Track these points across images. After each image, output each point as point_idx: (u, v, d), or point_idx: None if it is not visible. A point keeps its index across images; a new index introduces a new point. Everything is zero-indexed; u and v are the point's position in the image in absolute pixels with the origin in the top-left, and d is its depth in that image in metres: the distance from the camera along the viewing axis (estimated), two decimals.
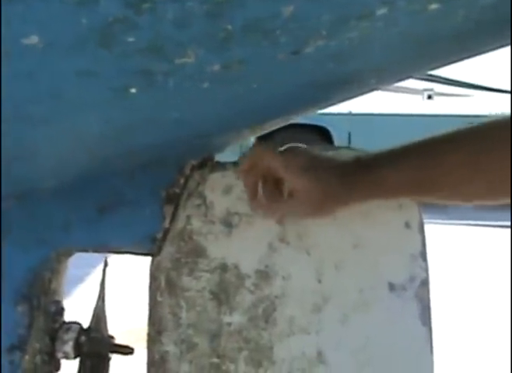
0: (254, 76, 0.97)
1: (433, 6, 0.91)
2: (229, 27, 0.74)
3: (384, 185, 1.39)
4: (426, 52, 1.21)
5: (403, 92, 9.49)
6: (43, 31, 0.66)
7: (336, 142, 9.60)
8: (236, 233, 1.53)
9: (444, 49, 1.24)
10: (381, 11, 0.85)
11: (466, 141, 1.35)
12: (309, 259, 1.51)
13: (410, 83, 9.23)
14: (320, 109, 1.60)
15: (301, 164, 1.38)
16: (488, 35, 1.24)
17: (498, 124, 1.36)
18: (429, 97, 9.82)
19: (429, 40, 1.10)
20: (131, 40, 0.72)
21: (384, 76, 1.38)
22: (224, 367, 1.52)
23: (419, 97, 9.80)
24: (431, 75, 9.20)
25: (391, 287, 1.51)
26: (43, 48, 0.69)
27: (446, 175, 1.35)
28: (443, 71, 9.16)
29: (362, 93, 1.51)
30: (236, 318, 1.52)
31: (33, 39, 0.67)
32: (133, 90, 0.86)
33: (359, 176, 1.38)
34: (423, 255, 1.52)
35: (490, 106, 9.58)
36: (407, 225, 1.52)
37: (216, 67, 0.86)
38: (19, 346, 1.53)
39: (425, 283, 1.52)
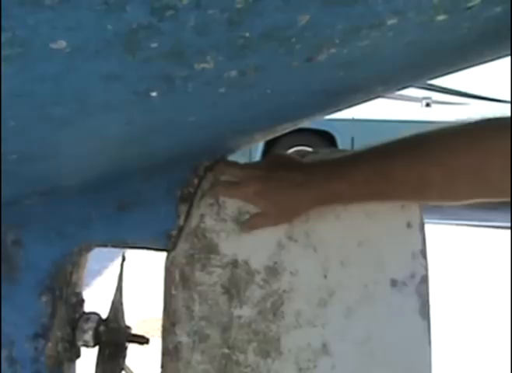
0: (269, 82, 0.96)
1: (440, 17, 0.89)
2: (248, 35, 0.73)
3: (338, 197, 1.41)
4: (431, 61, 1.20)
5: (403, 99, 9.50)
6: (71, 36, 0.65)
7: (340, 146, 9.61)
8: None
9: (448, 58, 1.23)
10: (392, 21, 0.84)
11: (408, 156, 1.35)
12: (315, 256, 1.50)
13: (410, 91, 9.24)
14: (328, 114, 1.59)
15: (256, 190, 1.44)
16: (489, 46, 1.23)
17: (437, 133, 1.35)
18: (428, 105, 9.83)
19: (435, 49, 1.09)
20: (153, 45, 0.71)
21: (389, 84, 1.37)
22: (234, 358, 1.52)
23: (417, 105, 9.81)
24: (429, 84, 9.22)
25: (393, 282, 1.50)
26: (70, 52, 0.68)
27: (394, 190, 1.36)
28: (441, 81, 9.16)
29: (368, 100, 1.50)
30: (246, 312, 1.51)
31: (61, 43, 0.66)
32: (154, 94, 0.85)
33: (313, 191, 1.41)
34: (423, 253, 1.52)
35: (484, 114, 9.55)
36: (408, 225, 1.51)
37: (233, 73, 0.85)
38: (43, 334, 1.53)
39: (424, 279, 1.52)
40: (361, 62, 1.01)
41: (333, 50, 0.87)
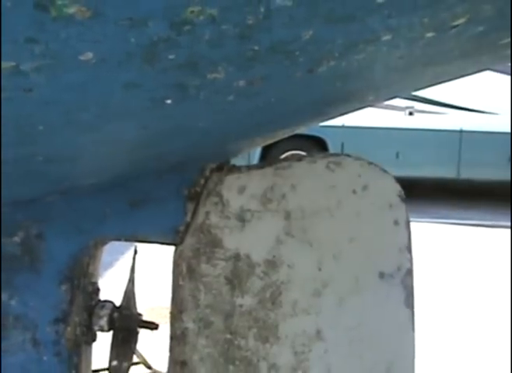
0: (274, 91, 0.97)
1: (429, 34, 0.90)
2: (256, 48, 0.74)
3: None
4: (419, 74, 1.21)
5: (388, 108, 9.50)
6: (97, 49, 0.66)
7: (331, 150, 9.60)
8: (249, 227, 1.52)
9: (434, 72, 1.23)
10: (386, 37, 0.84)
11: None
12: (311, 251, 1.51)
13: (394, 101, 9.24)
14: (324, 121, 1.59)
15: None
16: (471, 61, 1.23)
17: None
18: (411, 113, 9.84)
19: (423, 63, 1.10)
20: (171, 57, 0.71)
21: (380, 94, 1.37)
22: (236, 342, 1.52)
23: (401, 113, 9.82)
24: (412, 95, 9.22)
25: (381, 275, 1.51)
26: (96, 63, 0.68)
27: None
28: (423, 92, 9.17)
29: (360, 108, 1.50)
30: (247, 301, 1.51)
31: (88, 55, 0.67)
32: (169, 101, 0.85)
33: None
34: (409, 248, 1.52)
35: (461, 123, 9.63)
36: (395, 223, 1.52)
37: (242, 82, 0.85)
38: (63, 319, 1.54)
39: (410, 272, 1.52)
40: (357, 74, 1.01)
41: (332, 63, 0.87)
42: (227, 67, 0.78)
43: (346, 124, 9.50)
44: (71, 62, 0.68)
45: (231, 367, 1.54)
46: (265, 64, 0.81)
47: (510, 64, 8.26)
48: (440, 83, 1.42)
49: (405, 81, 1.24)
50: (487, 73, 8.74)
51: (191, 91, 0.84)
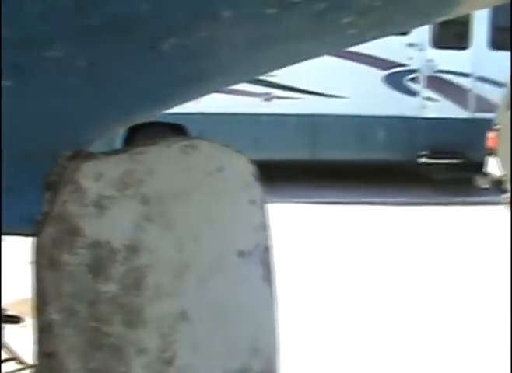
0: (116, 70, 0.91)
1: (270, 11, 0.87)
2: (93, 23, 0.69)
3: None
4: (266, 54, 1.18)
5: (246, 95, 9.57)
6: None
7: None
8: (107, 214, 1.48)
9: (281, 52, 1.21)
10: (226, 13, 0.81)
11: None
12: (171, 234, 1.48)
13: (251, 88, 9.32)
14: (177, 105, 1.55)
15: None
16: (315, 41, 1.22)
17: None
18: (267, 100, 9.95)
19: (268, 42, 1.07)
20: (2, 33, 0.65)
21: (228, 76, 1.35)
22: (103, 329, 1.48)
23: (258, 99, 9.91)
24: (269, 82, 9.32)
25: (240, 253, 1.50)
26: None
27: None
28: (279, 79, 9.27)
29: (211, 91, 1.48)
30: (111, 287, 1.47)
31: None
32: (7, 83, 0.79)
33: None
34: (265, 226, 1.53)
35: (314, 107, 9.82)
36: (251, 202, 1.52)
37: (83, 61, 0.80)
38: None
39: (267, 249, 1.53)
40: (201, 52, 0.98)
41: (175, 40, 0.83)
42: (64, 45, 0.72)
43: (205, 111, 9.50)
44: None
45: (99, 354, 1.50)
46: (104, 40, 0.75)
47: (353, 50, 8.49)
48: (289, 64, 1.40)
49: (251, 61, 1.22)
50: (336, 60, 8.96)
51: (28, 71, 0.78)
